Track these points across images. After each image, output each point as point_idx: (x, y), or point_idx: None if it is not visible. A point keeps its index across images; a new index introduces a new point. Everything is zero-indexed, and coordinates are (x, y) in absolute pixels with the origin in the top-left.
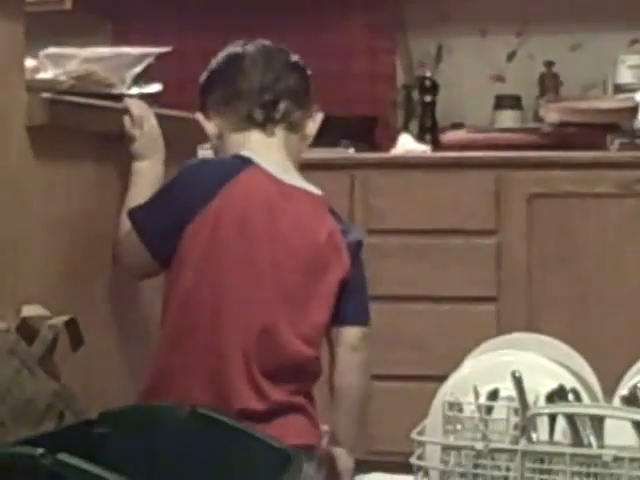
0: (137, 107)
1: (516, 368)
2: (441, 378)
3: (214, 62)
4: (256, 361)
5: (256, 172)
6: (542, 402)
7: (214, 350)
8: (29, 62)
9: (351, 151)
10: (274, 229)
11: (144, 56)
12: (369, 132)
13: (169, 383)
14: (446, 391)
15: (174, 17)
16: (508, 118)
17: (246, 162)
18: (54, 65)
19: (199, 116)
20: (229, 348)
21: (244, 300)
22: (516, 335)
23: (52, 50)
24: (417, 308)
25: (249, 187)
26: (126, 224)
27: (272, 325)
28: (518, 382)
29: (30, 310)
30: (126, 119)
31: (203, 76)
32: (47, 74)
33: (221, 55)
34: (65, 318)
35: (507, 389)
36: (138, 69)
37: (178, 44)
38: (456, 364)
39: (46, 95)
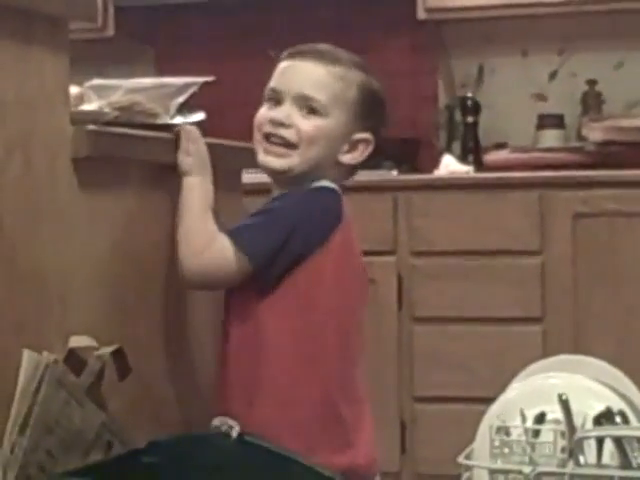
0: (184, 132)
1: (563, 391)
2: (487, 400)
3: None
4: None
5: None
6: (589, 425)
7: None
8: (73, 89)
9: (394, 173)
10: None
11: (188, 85)
12: (412, 154)
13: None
14: (493, 414)
15: (216, 42)
16: (551, 137)
17: (337, 195)
18: (98, 96)
19: None
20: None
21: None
22: (562, 357)
23: (96, 81)
24: (462, 329)
25: (348, 223)
26: (221, 243)
27: None
28: (565, 405)
29: (77, 341)
30: (179, 135)
31: None
32: (91, 105)
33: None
34: (112, 348)
35: (554, 412)
36: (182, 98)
37: (220, 69)
38: (502, 386)
39: (91, 127)
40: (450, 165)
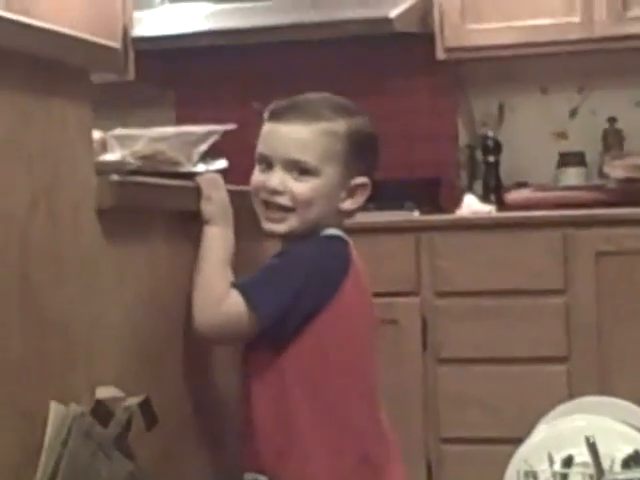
0: (206, 180)
1: (590, 433)
2: (513, 440)
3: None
4: None
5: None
6: (618, 468)
7: None
8: (95, 134)
9: (416, 213)
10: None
11: (210, 133)
12: (433, 194)
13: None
14: (520, 458)
15: (237, 85)
16: (572, 175)
17: (343, 241)
18: (121, 145)
19: None
20: None
21: None
22: (589, 398)
23: (119, 131)
24: (486, 370)
25: (357, 267)
26: (233, 300)
27: None
28: (592, 448)
29: (104, 392)
30: (200, 184)
31: None
32: (114, 155)
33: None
34: (139, 398)
35: (582, 455)
36: (204, 147)
37: (240, 113)
38: (528, 426)
39: (114, 177)
40: (472, 205)
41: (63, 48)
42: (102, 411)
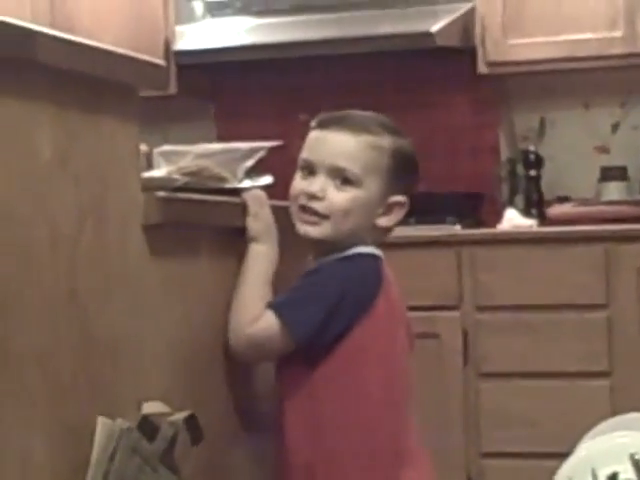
0: (252, 197)
1: (634, 450)
2: (555, 455)
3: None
4: None
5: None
6: None
7: None
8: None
9: (457, 228)
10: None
11: (255, 150)
12: (474, 208)
13: None
14: (564, 475)
15: (277, 100)
16: (614, 190)
17: (377, 258)
18: (167, 162)
19: None
20: None
21: None
22: (632, 415)
23: (165, 147)
24: (529, 385)
25: (389, 284)
26: (268, 320)
27: None
28: (637, 465)
29: (150, 407)
30: (246, 201)
31: None
32: (161, 171)
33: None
34: (185, 414)
35: (627, 472)
36: (250, 163)
37: (280, 128)
38: (570, 441)
39: (161, 194)
40: (514, 219)
41: (111, 66)
42: (148, 426)
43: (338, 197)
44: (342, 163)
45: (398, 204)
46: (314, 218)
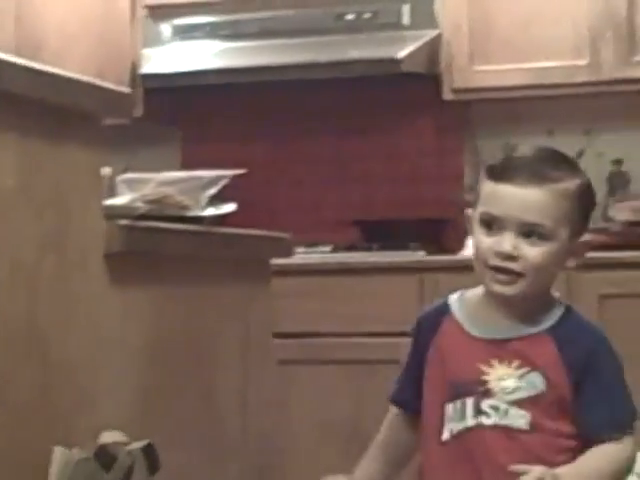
0: None
1: None
2: None
3: None
4: None
5: None
6: None
7: None
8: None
9: (420, 254)
10: None
11: (218, 178)
12: (438, 234)
13: None
14: None
15: (243, 123)
16: None
17: None
18: (130, 189)
19: None
20: None
21: None
22: None
23: (128, 175)
24: None
25: None
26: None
27: None
28: None
29: (108, 436)
30: None
31: None
32: (123, 199)
33: None
34: (142, 443)
35: None
36: (213, 190)
37: (246, 151)
38: None
39: (123, 222)
40: None
41: (75, 94)
42: (105, 456)
43: (532, 253)
44: (533, 219)
45: (584, 244)
46: (509, 278)
